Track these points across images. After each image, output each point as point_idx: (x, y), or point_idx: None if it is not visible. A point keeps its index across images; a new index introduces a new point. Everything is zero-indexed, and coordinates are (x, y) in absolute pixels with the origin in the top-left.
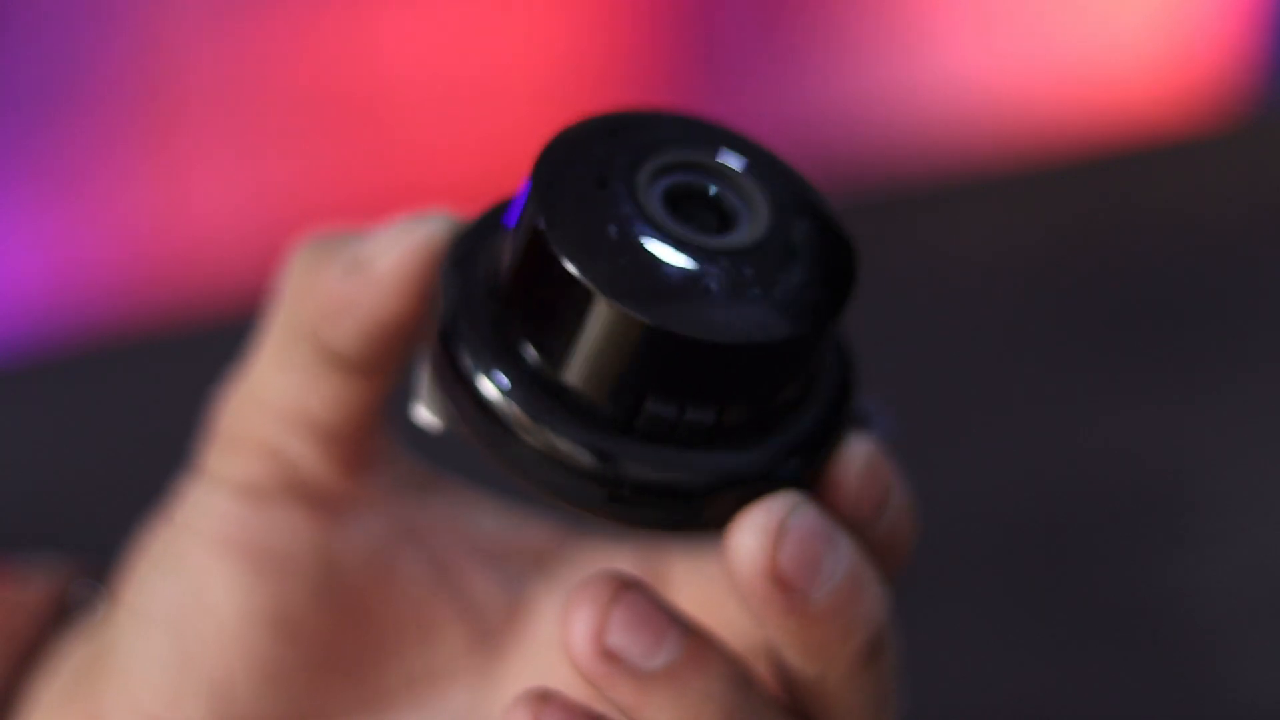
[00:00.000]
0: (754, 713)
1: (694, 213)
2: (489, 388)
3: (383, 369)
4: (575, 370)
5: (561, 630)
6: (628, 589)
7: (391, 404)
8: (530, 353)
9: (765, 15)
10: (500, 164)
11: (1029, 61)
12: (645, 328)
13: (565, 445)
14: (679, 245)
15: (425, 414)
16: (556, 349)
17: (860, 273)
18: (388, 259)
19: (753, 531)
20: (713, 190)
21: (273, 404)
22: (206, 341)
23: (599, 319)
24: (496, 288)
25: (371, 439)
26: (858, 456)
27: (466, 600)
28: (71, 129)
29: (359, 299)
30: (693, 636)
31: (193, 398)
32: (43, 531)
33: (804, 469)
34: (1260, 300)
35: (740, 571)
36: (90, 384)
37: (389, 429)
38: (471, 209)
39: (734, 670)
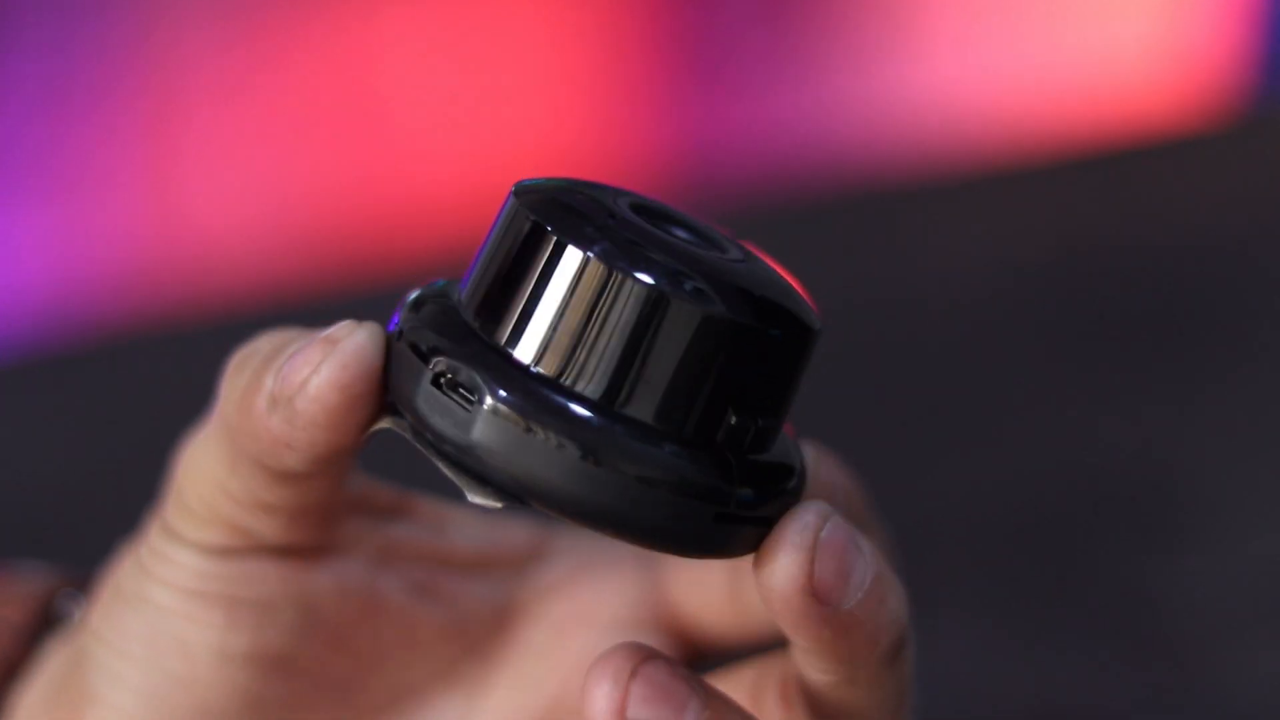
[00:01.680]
0: None
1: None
2: (566, 433)
3: (340, 468)
4: (644, 394)
5: (583, 704)
6: (647, 661)
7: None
8: (584, 390)
9: (767, 21)
10: (498, 167)
11: (1028, 62)
12: (743, 327)
13: (676, 468)
14: (710, 256)
15: (481, 500)
16: (622, 381)
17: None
18: (306, 399)
19: (790, 549)
20: (689, 224)
21: (228, 490)
22: (206, 340)
23: (692, 334)
24: (505, 341)
25: (335, 498)
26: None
27: (451, 613)
28: (72, 129)
29: (289, 440)
30: (712, 703)
31: (192, 396)
32: (42, 526)
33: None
34: (1258, 300)
35: (777, 588)
36: (90, 381)
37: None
38: (467, 210)
39: None
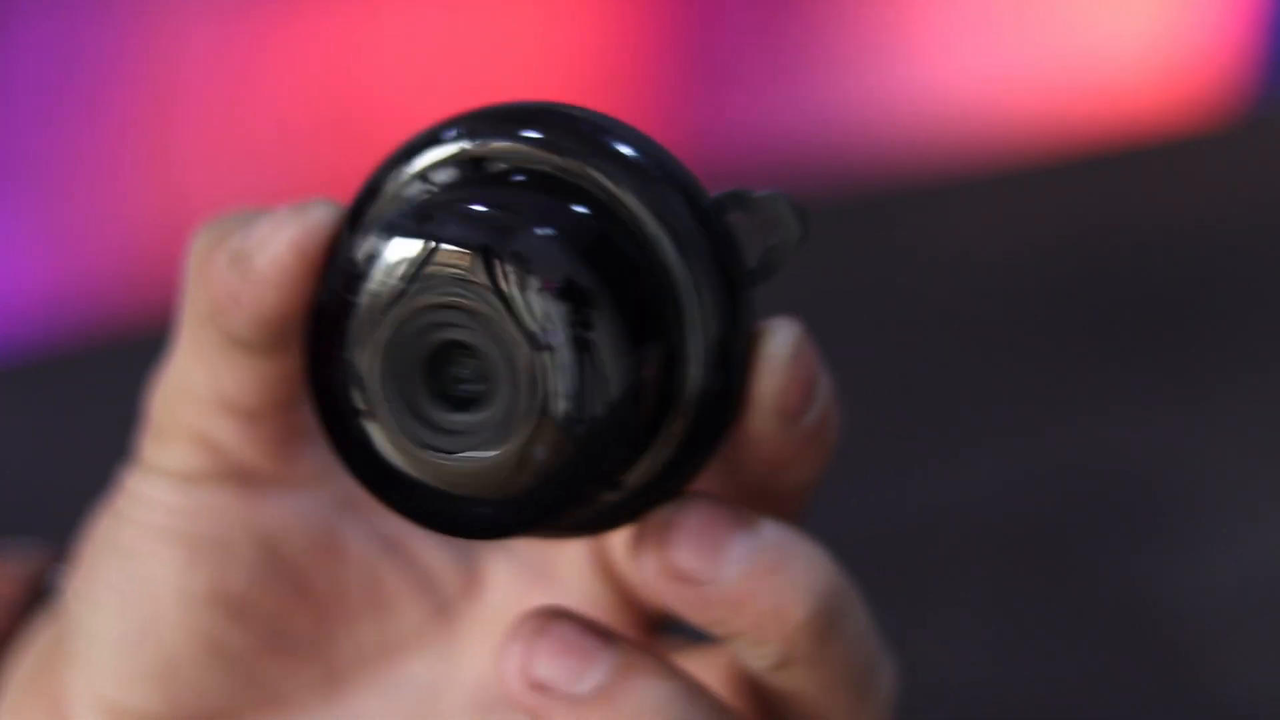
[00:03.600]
0: None
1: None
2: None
3: (284, 349)
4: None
5: (497, 670)
6: (555, 620)
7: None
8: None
9: (766, 21)
10: None
11: (1029, 64)
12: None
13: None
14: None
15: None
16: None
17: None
18: (265, 256)
19: (643, 536)
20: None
21: (192, 390)
22: None
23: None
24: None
25: (295, 416)
26: (776, 356)
27: (418, 572)
28: (72, 128)
29: (241, 295)
30: (626, 656)
31: None
32: (41, 526)
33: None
34: (1256, 302)
35: (642, 575)
36: (90, 381)
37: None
38: None
39: (675, 685)
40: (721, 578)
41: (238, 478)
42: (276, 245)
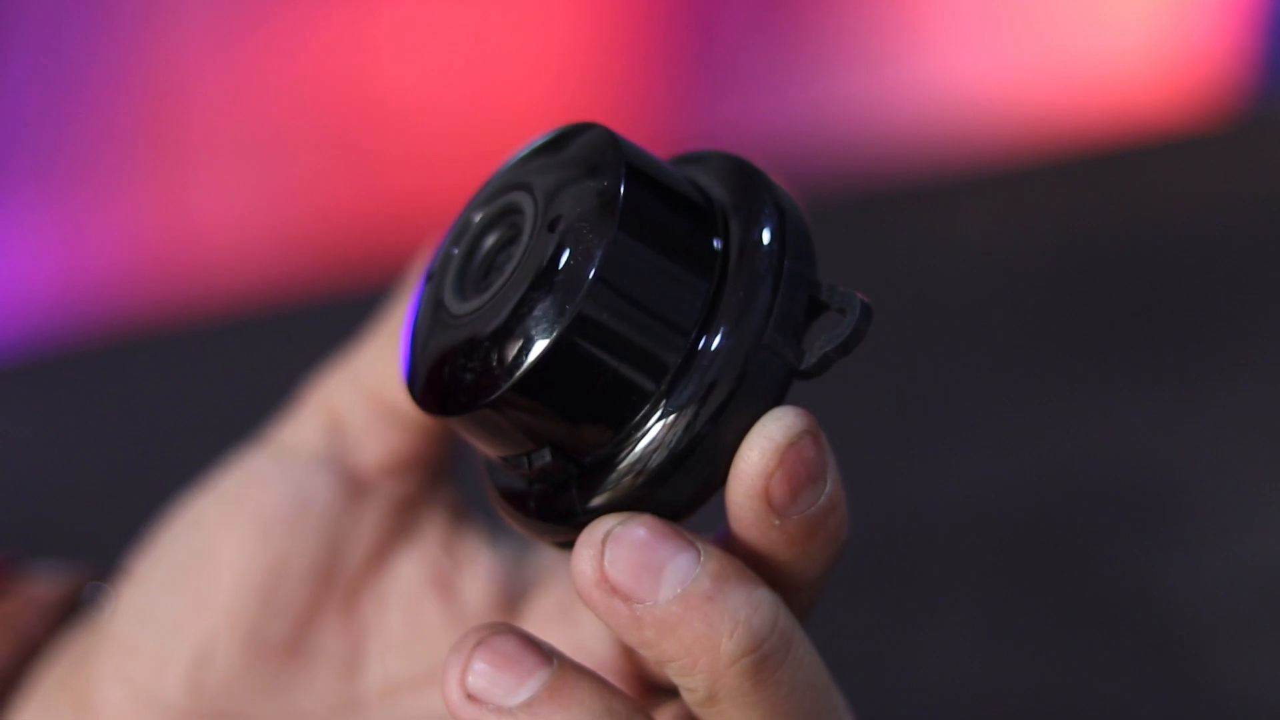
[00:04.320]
0: None
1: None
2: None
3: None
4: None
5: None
6: (497, 633)
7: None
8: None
9: (767, 18)
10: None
11: (1029, 62)
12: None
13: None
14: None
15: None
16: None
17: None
18: None
19: (580, 546)
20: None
21: (362, 377)
22: (206, 340)
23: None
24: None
25: (431, 443)
26: (763, 439)
27: (463, 611)
28: (74, 132)
29: None
30: (561, 672)
31: (191, 395)
32: (42, 525)
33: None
34: (1256, 300)
35: (575, 583)
36: (90, 381)
37: (455, 465)
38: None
39: (607, 705)
40: (655, 598)
41: (342, 469)
42: None
